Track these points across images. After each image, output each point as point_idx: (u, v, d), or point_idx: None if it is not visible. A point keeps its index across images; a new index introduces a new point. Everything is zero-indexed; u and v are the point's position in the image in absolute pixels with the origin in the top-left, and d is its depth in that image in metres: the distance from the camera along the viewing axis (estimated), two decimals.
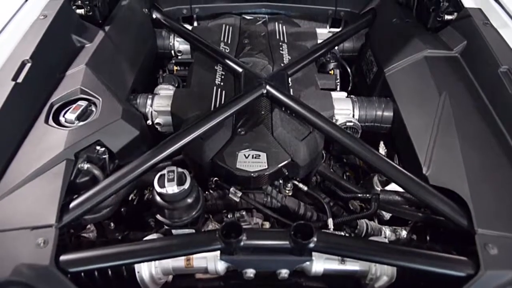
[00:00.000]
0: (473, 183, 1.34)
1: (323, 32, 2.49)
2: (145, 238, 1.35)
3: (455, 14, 1.98)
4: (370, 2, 2.46)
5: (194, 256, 1.29)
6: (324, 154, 1.85)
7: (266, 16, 2.56)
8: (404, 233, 1.63)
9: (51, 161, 1.34)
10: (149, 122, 1.82)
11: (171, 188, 1.32)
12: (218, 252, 1.21)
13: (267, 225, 1.55)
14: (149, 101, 1.83)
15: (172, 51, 2.39)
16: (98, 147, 1.47)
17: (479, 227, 1.22)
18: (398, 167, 1.49)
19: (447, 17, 1.99)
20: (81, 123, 1.50)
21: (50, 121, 1.51)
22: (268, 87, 1.73)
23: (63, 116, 1.52)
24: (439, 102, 1.63)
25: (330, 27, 2.67)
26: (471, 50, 1.80)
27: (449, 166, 1.43)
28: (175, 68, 2.28)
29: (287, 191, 1.69)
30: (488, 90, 1.64)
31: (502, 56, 1.65)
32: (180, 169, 1.37)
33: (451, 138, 1.50)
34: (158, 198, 1.37)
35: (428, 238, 1.52)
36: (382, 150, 2.02)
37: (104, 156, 1.48)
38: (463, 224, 1.27)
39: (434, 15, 2.01)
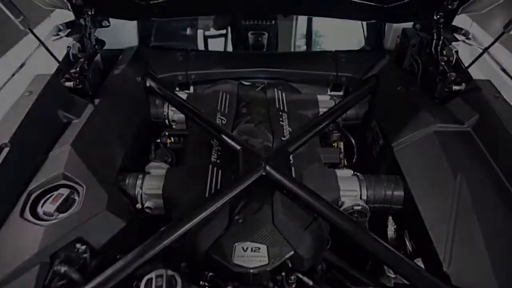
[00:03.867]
0: (504, 286, 1.18)
1: (325, 99, 2.39)
2: None
3: (463, 84, 1.88)
4: (372, 67, 2.39)
5: None
6: (330, 239, 1.69)
7: (265, 81, 2.48)
8: None
9: (23, 265, 1.19)
10: (139, 205, 1.67)
11: None
12: None
13: None
14: (139, 182, 1.68)
15: (166, 120, 2.29)
16: (78, 245, 1.31)
17: None
18: (414, 264, 1.33)
19: (455, 87, 1.88)
20: (61, 215, 1.35)
21: (27, 213, 1.35)
22: (268, 168, 1.60)
23: (42, 208, 1.37)
24: (455, 185, 1.49)
25: (331, 91, 2.59)
26: (485, 125, 1.69)
27: (473, 263, 1.28)
28: (168, 141, 2.15)
29: (290, 284, 1.51)
30: (508, 172, 1.50)
31: None
32: (170, 272, 1.21)
33: (473, 229, 1.36)
34: None
35: None
36: (391, 225, 1.87)
37: (85, 255, 1.31)
38: None
39: (441, 85, 1.90)
